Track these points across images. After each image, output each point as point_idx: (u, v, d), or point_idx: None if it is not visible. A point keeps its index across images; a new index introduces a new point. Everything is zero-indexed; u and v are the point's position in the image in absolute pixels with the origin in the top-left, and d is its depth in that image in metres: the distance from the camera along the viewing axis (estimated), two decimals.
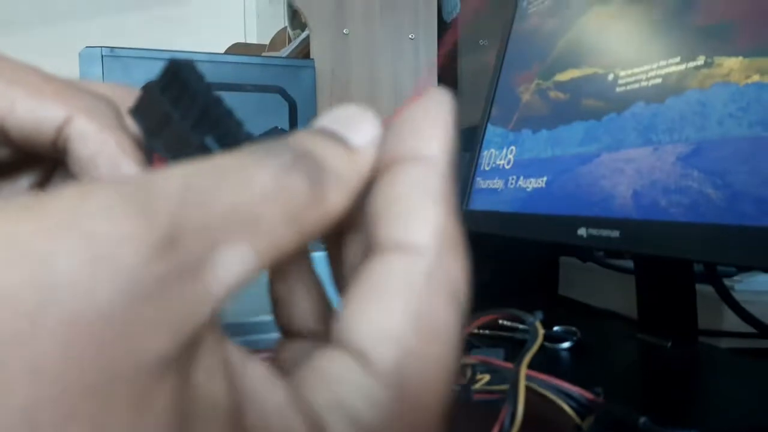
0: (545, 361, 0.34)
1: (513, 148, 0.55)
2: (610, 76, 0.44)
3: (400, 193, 0.13)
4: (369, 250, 0.13)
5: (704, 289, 0.47)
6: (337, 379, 0.12)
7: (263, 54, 1.40)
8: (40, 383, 0.08)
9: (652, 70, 0.40)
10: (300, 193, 0.12)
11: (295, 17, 1.36)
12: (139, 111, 0.18)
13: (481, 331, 0.46)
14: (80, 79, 0.24)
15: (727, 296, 0.48)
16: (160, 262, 0.10)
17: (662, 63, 0.40)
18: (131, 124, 0.21)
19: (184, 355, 0.10)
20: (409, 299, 0.12)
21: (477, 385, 0.34)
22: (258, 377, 0.12)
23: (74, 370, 0.09)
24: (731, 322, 0.49)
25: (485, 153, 0.60)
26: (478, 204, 0.58)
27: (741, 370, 0.43)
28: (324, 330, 0.16)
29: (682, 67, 0.38)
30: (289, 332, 0.16)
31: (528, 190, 0.50)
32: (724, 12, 0.36)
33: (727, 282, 0.49)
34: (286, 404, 0.12)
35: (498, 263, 0.62)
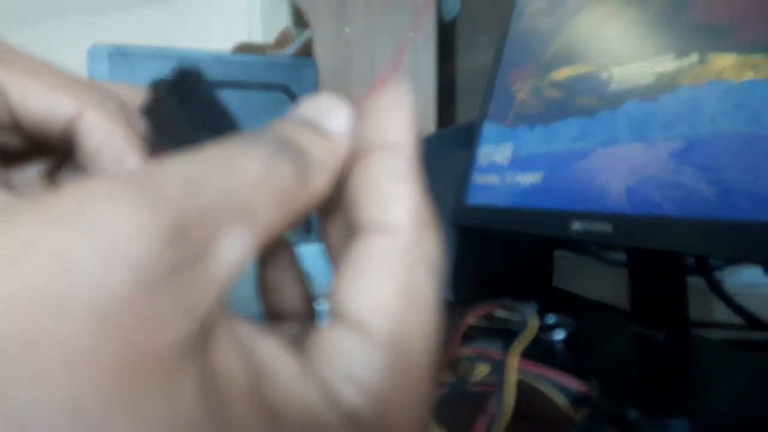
0: (539, 353, 0.34)
1: (510, 144, 0.55)
2: (605, 74, 0.44)
3: (375, 179, 0.15)
4: (351, 230, 0.15)
5: (695, 282, 0.47)
6: (343, 352, 0.13)
7: (267, 52, 1.41)
8: (75, 374, 0.09)
9: (646, 67, 0.40)
10: (287, 179, 0.13)
11: (298, 16, 1.37)
12: (148, 109, 0.19)
13: (478, 323, 0.46)
14: (90, 79, 0.25)
15: (717, 289, 0.49)
16: (170, 252, 0.10)
17: (656, 60, 0.40)
18: (138, 121, 0.23)
19: (200, 338, 0.11)
20: (395, 275, 0.14)
21: (477, 378, 0.35)
22: (271, 352, 0.13)
23: (102, 358, 0.09)
24: (721, 313, 0.49)
25: (482, 149, 0.60)
26: (475, 199, 0.58)
27: (733, 361, 0.43)
28: (308, 311, 0.18)
29: (676, 64, 0.38)
30: (278, 315, 0.18)
31: (524, 185, 0.51)
32: (719, 9, 0.36)
33: (717, 274, 0.50)
34: (301, 377, 0.13)
35: (495, 256, 0.63)
